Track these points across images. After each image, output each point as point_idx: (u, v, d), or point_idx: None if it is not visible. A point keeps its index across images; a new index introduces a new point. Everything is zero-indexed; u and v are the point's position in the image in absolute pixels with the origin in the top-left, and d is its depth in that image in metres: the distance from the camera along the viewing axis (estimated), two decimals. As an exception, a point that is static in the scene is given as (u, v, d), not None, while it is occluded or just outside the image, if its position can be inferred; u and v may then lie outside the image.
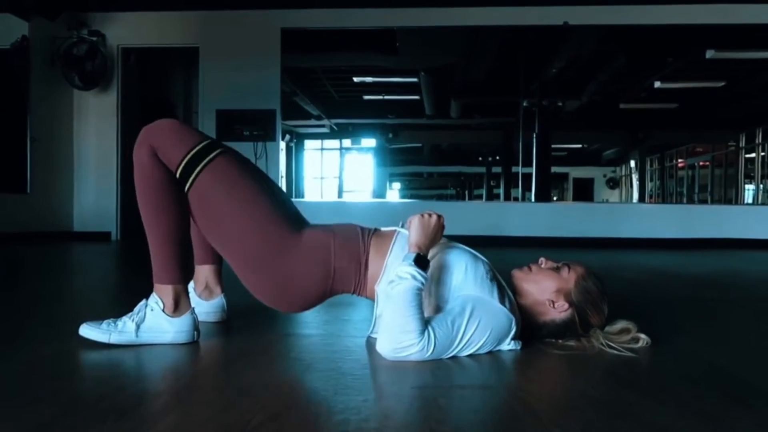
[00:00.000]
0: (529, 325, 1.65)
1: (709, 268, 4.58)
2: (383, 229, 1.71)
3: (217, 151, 1.62)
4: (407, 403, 1.16)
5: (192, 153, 1.59)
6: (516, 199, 10.60)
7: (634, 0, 6.53)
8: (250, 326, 1.87)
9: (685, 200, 13.87)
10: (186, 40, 6.96)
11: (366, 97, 11.46)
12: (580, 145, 15.33)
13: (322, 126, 12.95)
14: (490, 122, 12.64)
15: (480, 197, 15.67)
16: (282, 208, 1.66)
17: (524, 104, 9.96)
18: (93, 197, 7.00)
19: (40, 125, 6.41)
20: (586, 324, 1.62)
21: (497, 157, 14.35)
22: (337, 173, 13.90)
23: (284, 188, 12.55)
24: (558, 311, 1.62)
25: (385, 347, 1.45)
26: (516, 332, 1.56)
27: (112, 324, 1.58)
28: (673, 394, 1.24)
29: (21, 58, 6.23)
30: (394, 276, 1.48)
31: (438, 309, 1.57)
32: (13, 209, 6.09)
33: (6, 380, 1.28)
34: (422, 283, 1.48)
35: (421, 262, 1.49)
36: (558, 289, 1.63)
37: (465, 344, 1.48)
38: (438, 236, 1.60)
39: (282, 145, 12.70)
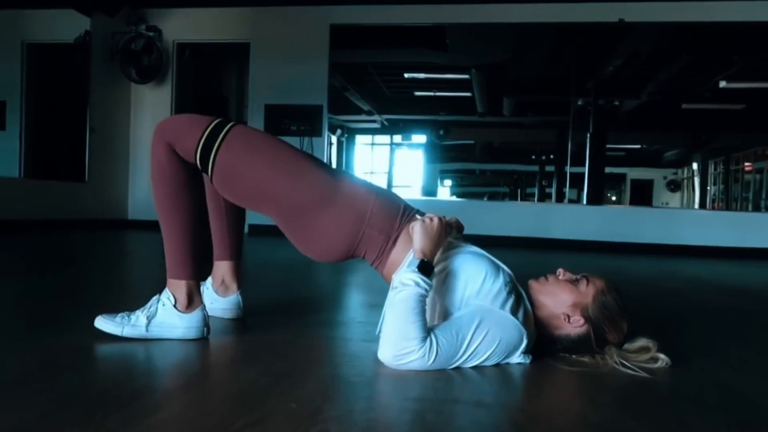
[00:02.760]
0: (543, 338, 1.60)
1: (764, 281, 4.36)
2: (419, 217, 1.67)
3: (230, 124, 1.62)
4: (393, 417, 1.14)
5: (206, 133, 1.59)
6: (572, 201, 10.36)
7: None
8: (262, 325, 1.89)
9: (750, 207, 13.25)
10: (238, 35, 7.09)
11: (417, 94, 11.42)
12: (639, 146, 14.87)
13: (374, 121, 12.99)
14: (543, 121, 12.41)
15: (532, 196, 15.40)
16: (310, 158, 1.66)
17: (579, 103, 9.74)
18: (147, 187, 7.17)
19: (99, 117, 6.66)
20: (603, 341, 1.56)
21: (551, 156, 14.08)
22: (387, 168, 13.92)
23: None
24: (573, 326, 1.57)
25: (386, 354, 1.43)
26: (527, 346, 1.51)
27: (126, 317, 1.61)
28: (680, 421, 1.18)
29: (83, 52, 6.48)
30: (398, 283, 1.46)
31: (447, 314, 1.53)
32: (72, 197, 6.35)
33: (16, 370, 1.33)
34: (426, 290, 1.45)
35: (425, 268, 1.47)
36: (574, 302, 1.57)
37: (470, 355, 1.45)
38: (443, 239, 1.56)
39: (333, 139, 12.84)
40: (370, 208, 1.60)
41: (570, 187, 10.53)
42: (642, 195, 15.83)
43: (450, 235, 1.69)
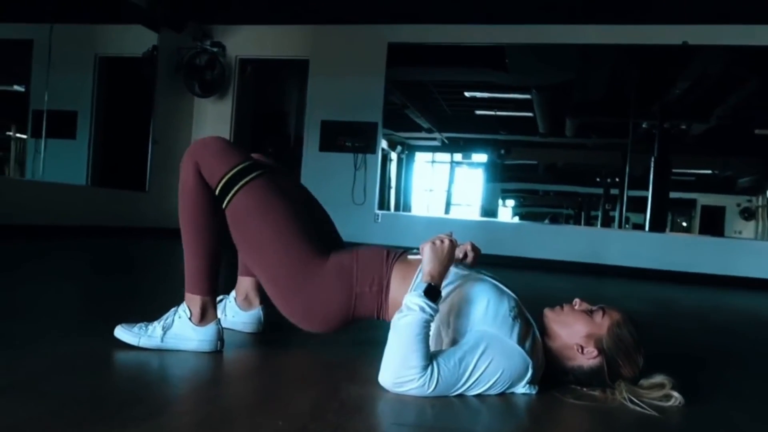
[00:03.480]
0: (555, 369, 1.56)
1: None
2: (410, 256, 1.67)
3: (257, 172, 1.65)
4: (375, 441, 1.14)
5: (232, 172, 1.63)
6: (637, 226, 10.03)
7: (764, 19, 6.00)
8: (280, 341, 1.91)
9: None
10: (298, 52, 7.26)
11: (478, 112, 11.37)
12: (709, 171, 14.30)
13: (434, 139, 12.99)
14: (607, 143, 12.11)
15: (597, 219, 15.02)
16: (311, 234, 1.67)
17: (643, 125, 9.50)
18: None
19: (162, 128, 6.94)
20: (616, 374, 1.51)
21: (616, 179, 13.71)
22: (446, 186, 13.85)
23: (392, 200, 12.72)
24: (586, 357, 1.53)
25: (385, 379, 1.42)
26: (532, 376, 1.47)
27: (144, 328, 1.67)
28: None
29: (150, 66, 6.79)
30: (403, 306, 1.46)
31: (455, 343, 1.52)
32: (133, 206, 6.63)
33: (30, 371, 1.39)
34: (431, 315, 1.43)
35: (431, 293, 1.46)
36: (588, 334, 1.53)
37: (472, 384, 1.42)
38: (452, 261, 1.55)
39: (393, 156, 12.89)
40: (354, 268, 1.63)
41: (635, 211, 10.24)
42: (713, 222, 15.15)
43: (462, 261, 1.68)
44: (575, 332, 1.54)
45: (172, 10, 6.60)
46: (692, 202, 15.59)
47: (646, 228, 7.90)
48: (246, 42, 7.32)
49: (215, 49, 7.06)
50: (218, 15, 7.12)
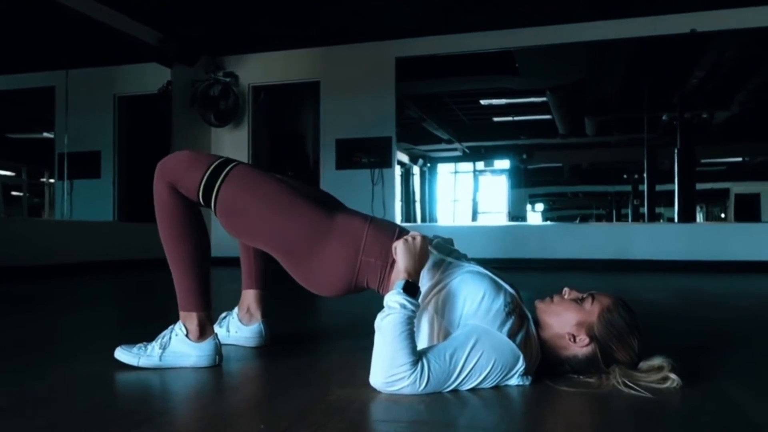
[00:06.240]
0: (551, 360, 1.56)
1: None
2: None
3: (231, 164, 1.66)
4: (352, 438, 1.15)
5: (207, 174, 1.63)
6: (671, 220, 9.87)
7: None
8: (281, 353, 1.93)
9: None
10: (308, 75, 7.38)
11: (496, 119, 11.36)
12: (740, 159, 14.01)
13: (454, 150, 13.01)
14: (630, 139, 11.97)
15: (627, 216, 14.83)
16: (308, 196, 1.67)
17: (664, 118, 9.37)
18: (226, 226, 7.56)
19: (181, 160, 7.08)
20: (612, 360, 1.51)
21: (644, 175, 13.53)
22: (471, 196, 13.83)
23: (418, 212, 12.67)
24: (579, 346, 1.53)
25: (376, 380, 1.43)
26: (525, 369, 1.47)
27: (143, 348, 1.71)
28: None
29: (166, 101, 6.95)
30: (384, 306, 1.47)
31: (447, 334, 1.52)
32: (158, 238, 6.74)
33: (32, 394, 1.44)
34: (413, 311, 1.44)
35: (410, 289, 1.47)
36: (579, 322, 1.53)
37: (464, 378, 1.42)
38: (427, 257, 1.56)
39: (415, 169, 12.91)
40: (363, 237, 1.62)
41: (667, 206, 10.09)
42: (749, 209, 14.84)
43: (453, 255, 1.69)
44: (566, 321, 1.54)
45: (184, 46, 6.76)
46: (725, 192, 15.26)
47: (675, 220, 7.75)
48: (257, 69, 7.47)
49: (228, 79, 7.21)
50: (228, 46, 7.27)
